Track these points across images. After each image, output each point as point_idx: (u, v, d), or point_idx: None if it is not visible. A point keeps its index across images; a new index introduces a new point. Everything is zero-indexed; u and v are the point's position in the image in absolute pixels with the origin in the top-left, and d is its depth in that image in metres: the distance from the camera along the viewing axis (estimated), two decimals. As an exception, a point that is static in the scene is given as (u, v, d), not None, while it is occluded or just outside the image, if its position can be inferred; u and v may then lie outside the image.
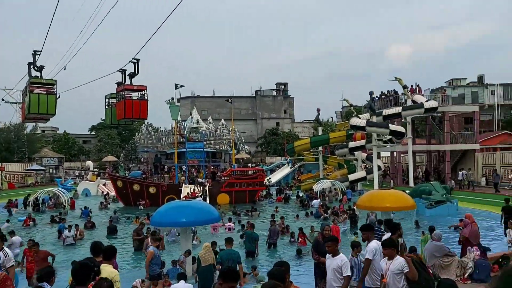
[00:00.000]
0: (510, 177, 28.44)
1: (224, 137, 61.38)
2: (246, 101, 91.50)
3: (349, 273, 7.04)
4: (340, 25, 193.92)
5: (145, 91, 22.65)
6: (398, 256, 6.49)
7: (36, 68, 19.94)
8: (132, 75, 21.84)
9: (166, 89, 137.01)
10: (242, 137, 71.50)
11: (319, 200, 27.87)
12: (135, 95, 22.44)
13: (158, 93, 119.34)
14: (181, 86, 33.29)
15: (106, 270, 6.04)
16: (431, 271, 10.05)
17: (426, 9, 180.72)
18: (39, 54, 19.90)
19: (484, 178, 34.06)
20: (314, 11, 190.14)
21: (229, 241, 11.39)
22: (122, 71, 22.29)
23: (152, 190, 31.70)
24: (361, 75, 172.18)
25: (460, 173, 32.90)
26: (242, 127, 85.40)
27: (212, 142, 59.60)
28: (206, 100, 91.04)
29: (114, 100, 23.87)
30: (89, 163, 51.17)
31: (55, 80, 20.37)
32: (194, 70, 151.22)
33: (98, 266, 5.93)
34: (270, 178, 42.56)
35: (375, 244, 7.56)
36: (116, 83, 23.12)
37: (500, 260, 10.93)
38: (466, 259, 10.35)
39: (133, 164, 65.49)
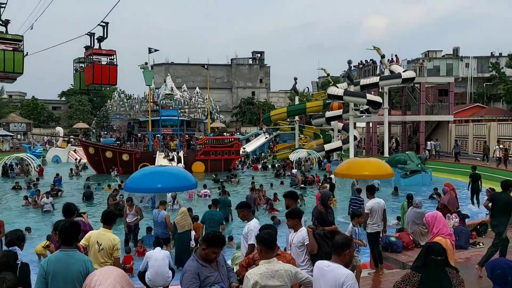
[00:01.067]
0: (496, 149, 28.07)
1: (199, 106, 60.37)
2: (222, 70, 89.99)
3: (252, 242, 5.88)
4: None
5: (115, 56, 22.20)
6: (302, 228, 5.79)
7: (1, 23, 18.63)
8: (100, 39, 21.13)
9: (139, 55, 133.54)
10: (217, 106, 70.56)
11: (296, 169, 27.86)
12: (104, 60, 21.88)
13: (131, 59, 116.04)
14: (155, 50, 32.08)
15: (107, 236, 5.62)
16: (411, 238, 10.02)
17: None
18: (4, 7, 18.53)
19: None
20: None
21: (214, 202, 11.84)
22: (91, 35, 21.52)
23: (125, 157, 30.94)
24: (338, 46, 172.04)
25: (429, 143, 33.53)
26: (217, 95, 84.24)
27: (186, 110, 58.56)
28: (180, 68, 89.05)
29: (82, 65, 23.37)
30: (59, 129, 49.60)
31: (22, 36, 19.12)
32: (168, 37, 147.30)
33: None
34: (245, 148, 42.31)
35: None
36: (84, 47, 22.30)
37: (478, 227, 10.98)
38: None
39: (105, 132, 64.04)
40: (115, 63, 22.04)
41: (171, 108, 51.00)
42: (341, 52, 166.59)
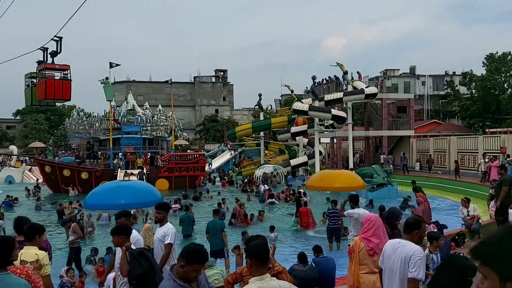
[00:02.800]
0: (481, 162, 27.91)
1: (162, 123, 59.19)
2: (185, 87, 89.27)
3: (169, 241, 6.00)
4: (277, 16, 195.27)
5: (68, 70, 21.99)
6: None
7: None
8: (54, 54, 20.59)
9: (100, 73, 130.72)
10: (181, 124, 69.56)
11: (265, 185, 27.51)
12: (57, 75, 21.55)
13: (91, 77, 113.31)
14: (117, 64, 31.13)
15: (30, 253, 4.88)
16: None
17: (357, 4, 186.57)
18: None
19: (418, 162, 35.40)
20: (246, 1, 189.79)
21: (216, 212, 12.32)
22: (44, 50, 20.95)
23: (84, 175, 29.53)
24: (299, 64, 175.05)
25: (381, 156, 34.25)
26: (181, 113, 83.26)
27: (149, 128, 57.20)
28: (142, 85, 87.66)
29: (34, 80, 22.83)
30: (13, 148, 47.17)
31: None
32: (129, 54, 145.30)
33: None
34: (211, 164, 41.70)
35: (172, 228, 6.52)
36: (37, 62, 21.83)
37: (456, 237, 10.87)
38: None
39: (63, 151, 61.60)
40: (69, 78, 21.73)
41: (134, 124, 49.66)
42: (302, 70, 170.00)
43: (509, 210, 11.90)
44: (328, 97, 32.94)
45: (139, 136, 47.17)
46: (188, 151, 51.50)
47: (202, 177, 32.39)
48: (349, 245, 8.79)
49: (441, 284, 3.95)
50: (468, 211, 12.61)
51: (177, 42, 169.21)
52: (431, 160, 33.05)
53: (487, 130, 39.28)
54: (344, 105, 33.97)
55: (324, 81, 38.08)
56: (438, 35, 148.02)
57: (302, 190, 21.70)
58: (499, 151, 27.42)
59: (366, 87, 32.96)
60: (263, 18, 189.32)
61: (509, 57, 46.73)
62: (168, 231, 6.12)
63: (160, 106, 62.80)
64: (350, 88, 33.70)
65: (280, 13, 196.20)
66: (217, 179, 35.09)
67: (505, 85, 47.11)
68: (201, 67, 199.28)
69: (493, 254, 1.65)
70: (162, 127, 58.67)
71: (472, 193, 23.22)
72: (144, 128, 53.11)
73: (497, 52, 47.46)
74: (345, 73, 34.15)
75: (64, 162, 33.58)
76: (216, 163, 44.07)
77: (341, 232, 14.11)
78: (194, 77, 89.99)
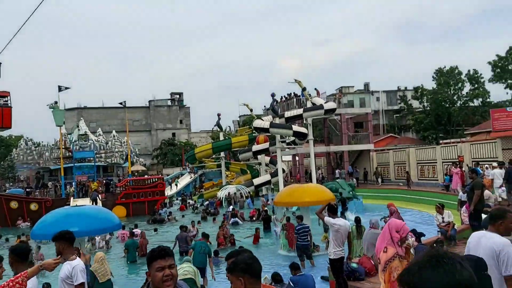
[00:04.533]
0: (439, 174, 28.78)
1: (116, 150, 57.02)
2: (140, 112, 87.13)
3: (81, 280, 4.95)
4: (232, 38, 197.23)
5: (9, 97, 20.94)
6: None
7: None
8: None
9: (49, 99, 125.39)
10: (136, 149, 67.45)
11: (232, 206, 26.60)
12: None
13: (39, 106, 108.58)
14: (66, 88, 29.53)
15: None
16: (372, 262, 9.10)
17: (309, 26, 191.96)
18: None
19: (380, 176, 35.61)
20: (199, 24, 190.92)
21: (205, 235, 12.55)
22: None
23: (33, 206, 27.47)
24: (254, 86, 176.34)
25: (337, 171, 34.53)
26: (136, 138, 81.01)
27: (103, 155, 54.89)
28: (95, 112, 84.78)
29: None
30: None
31: None
32: (80, 80, 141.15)
33: None
34: (177, 185, 40.39)
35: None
36: None
37: (434, 245, 10.41)
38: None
39: (10, 184, 58.02)
40: (9, 105, 21.04)
41: (87, 150, 47.44)
42: (257, 91, 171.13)
43: (482, 214, 11.66)
44: (288, 113, 32.69)
45: (93, 164, 45.00)
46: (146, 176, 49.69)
47: (162, 201, 31.05)
48: (330, 259, 8.10)
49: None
50: (443, 218, 12.28)
51: (130, 66, 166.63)
52: (377, 173, 34.58)
53: (440, 141, 40.32)
54: (304, 121, 33.81)
55: (283, 98, 37.95)
56: (387, 53, 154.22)
57: (266, 208, 21.14)
58: (457, 160, 27.95)
59: (325, 103, 32.99)
60: (217, 40, 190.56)
61: (456, 71, 48.68)
62: (75, 270, 4.94)
63: (114, 132, 60.68)
64: (309, 104, 33.63)
65: (233, 35, 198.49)
66: (176, 202, 33.92)
67: (455, 97, 48.88)
68: (156, 91, 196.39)
69: (414, 283, 1.62)
70: (117, 154, 56.49)
71: (429, 201, 23.90)
72: (98, 155, 50.89)
73: (445, 67, 49.41)
74: (304, 89, 34.12)
75: (11, 194, 31.20)
76: (177, 187, 42.71)
77: (311, 249, 13.42)
78: (149, 101, 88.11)
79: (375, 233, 9.38)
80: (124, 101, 40.30)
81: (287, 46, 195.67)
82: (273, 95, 32.28)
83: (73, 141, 47.36)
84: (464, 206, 13.75)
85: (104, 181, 39.86)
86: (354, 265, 8.67)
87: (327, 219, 8.32)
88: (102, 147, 55.97)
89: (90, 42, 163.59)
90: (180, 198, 36.37)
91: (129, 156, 42.26)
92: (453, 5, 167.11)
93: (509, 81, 42.14)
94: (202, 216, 25.12)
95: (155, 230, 21.76)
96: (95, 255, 9.82)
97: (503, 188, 18.13)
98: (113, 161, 56.14)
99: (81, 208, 12.75)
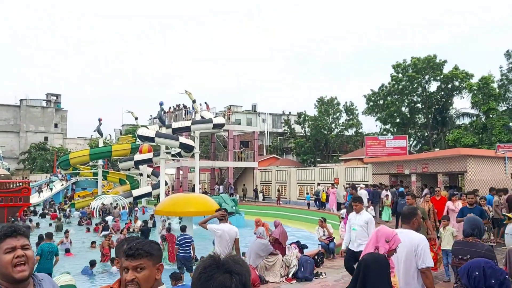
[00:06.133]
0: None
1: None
2: (8, 111, 78.15)
3: None
4: (120, 47, 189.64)
5: None
6: None
7: None
8: None
9: None
10: (0, 152, 59.95)
11: (111, 217, 24.64)
12: None
13: None
14: None
15: None
16: (256, 273, 8.81)
17: (205, 44, 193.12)
18: None
19: (261, 193, 36.36)
20: (84, 29, 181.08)
21: (48, 235, 11.20)
22: None
23: None
24: (140, 97, 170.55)
25: (215, 186, 35.75)
26: (1, 140, 72.35)
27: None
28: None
29: None
30: None
31: None
32: None
33: None
34: (40, 196, 36.33)
35: None
36: None
37: (315, 257, 10.52)
38: (289, 257, 9.48)
39: None
40: None
41: None
42: (143, 103, 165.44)
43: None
44: (176, 124, 31.77)
45: None
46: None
47: (25, 208, 27.66)
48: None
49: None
50: (324, 231, 12.59)
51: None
52: (257, 190, 35.90)
53: (318, 165, 42.79)
54: (192, 134, 33.20)
55: (172, 109, 36.97)
56: (273, 80, 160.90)
57: (147, 219, 19.91)
58: (333, 181, 29.76)
59: (214, 117, 32.85)
60: (102, 48, 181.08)
61: (336, 101, 52.62)
62: None
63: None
64: (198, 117, 33.18)
65: (123, 44, 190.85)
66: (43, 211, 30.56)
67: (333, 125, 52.62)
68: (29, 90, 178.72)
69: None
70: (-26, 154, 49.61)
71: (293, 216, 26.06)
72: None
73: (326, 96, 53.11)
74: (194, 101, 33.59)
75: None
76: (44, 195, 38.61)
77: (192, 262, 12.77)
78: (21, 100, 79.64)
79: (261, 243, 9.17)
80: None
81: (180, 63, 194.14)
82: (161, 103, 31.16)
83: None
84: (342, 222, 14.38)
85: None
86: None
87: (210, 226, 7.83)
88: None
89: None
90: (42, 207, 32.99)
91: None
92: (338, 44, 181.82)
93: (379, 115, 46.65)
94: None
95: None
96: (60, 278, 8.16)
97: (371, 207, 19.63)
98: (-32, 163, 49.05)
99: None
